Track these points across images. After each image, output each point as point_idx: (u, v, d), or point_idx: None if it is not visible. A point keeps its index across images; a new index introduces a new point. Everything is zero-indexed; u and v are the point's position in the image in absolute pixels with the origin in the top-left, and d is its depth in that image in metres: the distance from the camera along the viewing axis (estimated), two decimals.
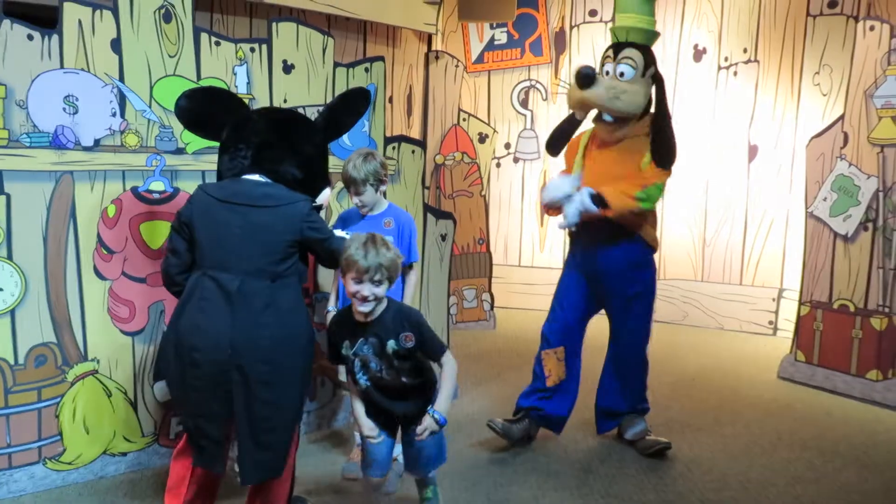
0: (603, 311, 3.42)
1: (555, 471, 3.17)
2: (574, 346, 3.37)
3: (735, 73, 5.90)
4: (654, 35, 3.23)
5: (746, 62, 5.84)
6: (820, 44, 5.50)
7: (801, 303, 4.57)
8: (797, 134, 5.58)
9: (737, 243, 5.94)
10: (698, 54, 6.05)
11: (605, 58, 3.22)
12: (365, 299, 2.24)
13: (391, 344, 2.32)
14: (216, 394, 2.13)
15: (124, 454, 2.98)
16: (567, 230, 3.28)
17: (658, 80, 3.21)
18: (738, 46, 5.87)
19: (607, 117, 3.16)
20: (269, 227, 2.17)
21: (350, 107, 2.52)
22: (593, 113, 3.28)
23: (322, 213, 2.56)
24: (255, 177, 2.27)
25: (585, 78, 3.05)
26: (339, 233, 2.44)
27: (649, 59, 3.18)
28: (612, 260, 3.21)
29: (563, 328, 3.35)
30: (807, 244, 4.56)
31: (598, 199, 3.01)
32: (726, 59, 5.93)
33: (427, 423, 2.35)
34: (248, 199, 2.19)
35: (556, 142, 3.41)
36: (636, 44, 3.16)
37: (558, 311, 3.38)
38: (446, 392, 2.38)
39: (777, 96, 5.74)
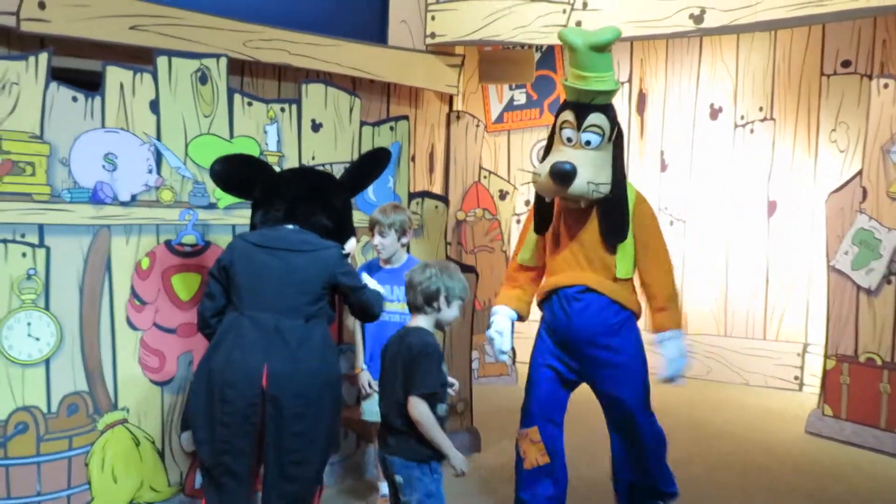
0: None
1: None
2: (551, 425, 3.01)
3: (752, 131, 6.00)
4: (616, 91, 2.87)
5: (763, 120, 5.95)
6: (835, 102, 5.61)
7: (826, 356, 4.53)
8: (815, 189, 5.63)
9: (759, 298, 5.92)
10: (714, 113, 6.16)
11: (563, 122, 2.83)
12: None
13: None
14: (244, 429, 2.22)
15: None
16: None
17: (619, 135, 2.89)
18: (754, 105, 5.99)
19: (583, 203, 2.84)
20: (306, 270, 2.35)
21: (371, 164, 2.83)
22: None
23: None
24: (290, 227, 2.47)
25: (565, 176, 2.70)
26: (370, 282, 2.56)
27: (614, 121, 2.85)
28: (588, 326, 2.90)
29: (537, 406, 3.02)
30: (830, 298, 4.55)
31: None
32: (742, 117, 6.04)
33: None
34: (287, 244, 2.39)
35: (545, 223, 3.02)
36: (600, 105, 2.80)
37: (531, 388, 3.07)
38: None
39: (794, 153, 5.82)
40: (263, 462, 2.29)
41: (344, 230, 2.63)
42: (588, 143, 2.79)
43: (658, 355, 2.92)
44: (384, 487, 3.02)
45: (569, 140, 2.83)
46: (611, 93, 2.82)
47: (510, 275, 3.23)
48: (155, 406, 3.01)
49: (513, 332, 3.15)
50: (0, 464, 2.68)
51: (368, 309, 2.49)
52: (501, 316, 3.10)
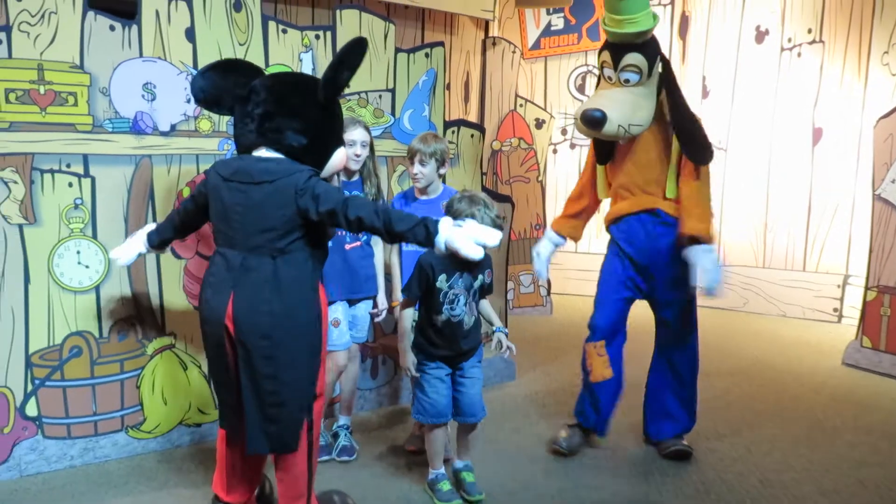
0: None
1: (611, 454, 3.21)
2: (616, 339, 3.14)
3: (799, 55, 5.78)
4: (653, 28, 2.85)
5: (811, 43, 5.71)
6: (889, 21, 5.36)
7: (867, 287, 4.47)
8: (864, 115, 5.44)
9: (800, 228, 5.82)
10: (760, 36, 5.93)
11: (603, 62, 2.93)
12: None
13: (480, 279, 2.65)
14: (220, 363, 2.23)
15: (199, 425, 3.13)
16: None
17: (664, 65, 2.92)
18: (803, 27, 5.74)
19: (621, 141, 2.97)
20: (265, 205, 2.12)
21: (345, 62, 2.21)
22: None
23: (335, 181, 2.71)
24: (262, 151, 2.20)
25: (594, 122, 2.79)
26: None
27: (653, 56, 2.87)
28: (662, 250, 2.99)
29: (606, 322, 3.11)
30: (873, 227, 4.45)
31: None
32: (790, 40, 5.81)
33: (500, 337, 2.76)
34: (248, 177, 2.15)
35: (605, 154, 3.11)
36: (636, 43, 2.83)
37: (600, 305, 3.15)
38: (496, 313, 2.85)
39: (843, 77, 5.60)
40: (244, 402, 2.17)
41: (323, 145, 2.24)
42: (627, 80, 2.88)
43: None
44: None
45: (609, 78, 2.93)
46: (646, 32, 2.83)
47: (566, 203, 3.36)
48: (200, 332, 3.09)
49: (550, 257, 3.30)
50: (58, 385, 2.82)
51: (336, 215, 2.08)
52: (545, 240, 3.30)
